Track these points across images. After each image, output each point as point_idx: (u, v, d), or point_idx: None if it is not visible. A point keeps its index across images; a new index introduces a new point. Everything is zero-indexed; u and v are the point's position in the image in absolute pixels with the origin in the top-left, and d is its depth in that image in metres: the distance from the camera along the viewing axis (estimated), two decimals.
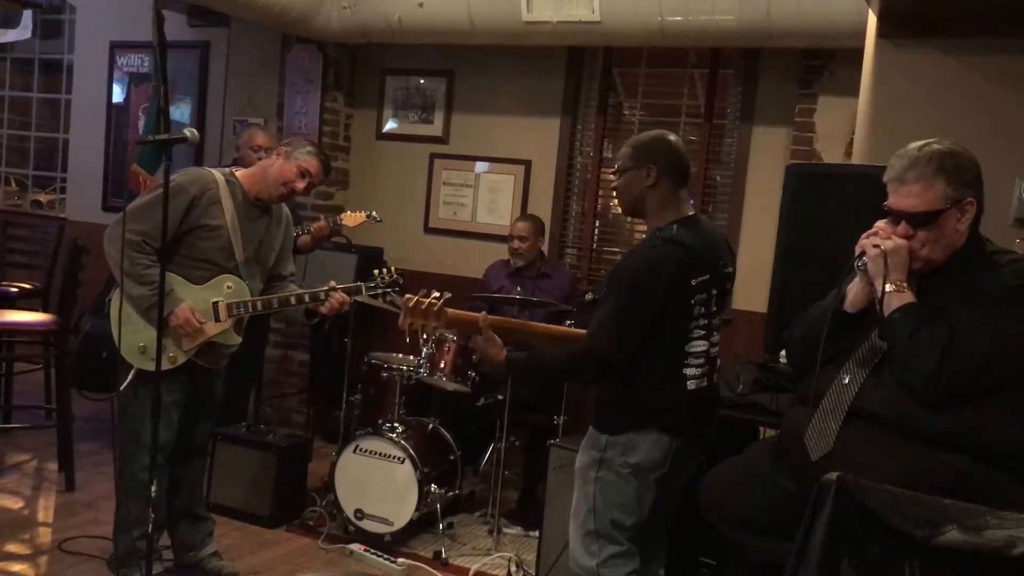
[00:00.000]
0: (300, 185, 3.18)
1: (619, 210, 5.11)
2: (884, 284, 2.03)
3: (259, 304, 3.16)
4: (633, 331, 2.47)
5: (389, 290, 3.19)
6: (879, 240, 2.08)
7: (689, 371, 2.55)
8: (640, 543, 2.65)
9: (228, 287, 3.13)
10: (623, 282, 2.50)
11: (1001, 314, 1.97)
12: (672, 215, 2.59)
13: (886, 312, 2.04)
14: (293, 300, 3.17)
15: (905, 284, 2.05)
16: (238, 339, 3.21)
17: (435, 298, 2.61)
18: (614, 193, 2.74)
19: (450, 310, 2.68)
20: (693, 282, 2.50)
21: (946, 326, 1.96)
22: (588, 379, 2.60)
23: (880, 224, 2.12)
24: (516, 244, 4.64)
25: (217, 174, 3.15)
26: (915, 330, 1.99)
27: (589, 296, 2.83)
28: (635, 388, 2.56)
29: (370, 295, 3.21)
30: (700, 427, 2.63)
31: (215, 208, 3.08)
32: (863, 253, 2.10)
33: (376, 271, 3.22)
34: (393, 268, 3.22)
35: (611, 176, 5.18)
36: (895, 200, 2.09)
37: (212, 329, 3.12)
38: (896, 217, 2.09)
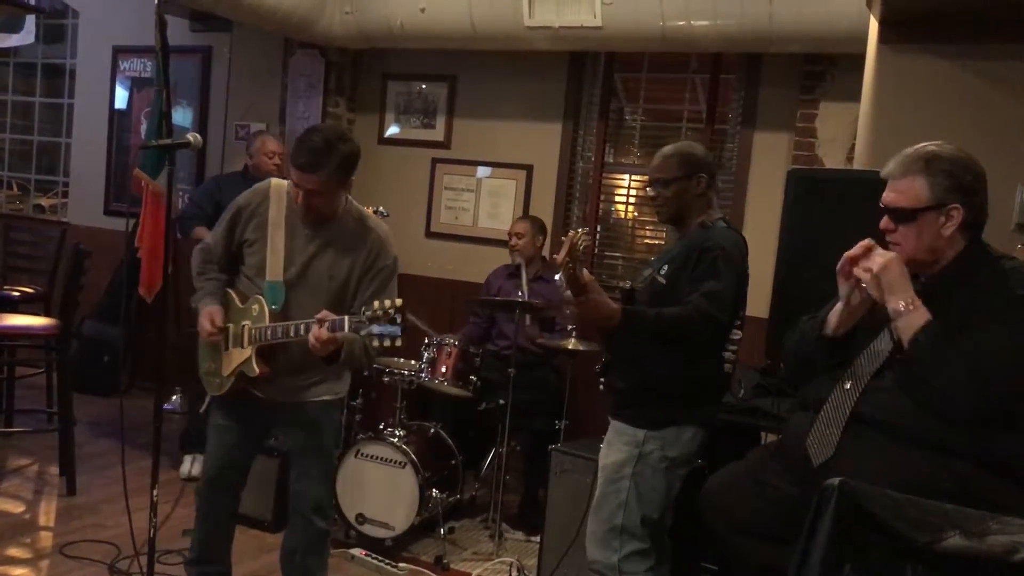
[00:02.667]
0: (302, 199, 2.73)
1: (622, 214, 5.16)
2: (894, 304, 1.99)
3: (268, 332, 2.74)
4: (739, 301, 2.66)
5: (382, 326, 2.47)
6: (869, 263, 2.04)
7: (727, 354, 2.76)
8: (657, 539, 2.73)
9: (255, 309, 2.81)
10: (729, 260, 2.64)
11: (1013, 326, 1.96)
12: (714, 213, 2.80)
13: (903, 334, 1.98)
14: (292, 332, 2.70)
15: (916, 300, 1.98)
16: (255, 371, 2.77)
17: (584, 236, 2.56)
18: (657, 203, 2.83)
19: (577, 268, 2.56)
20: (748, 268, 2.76)
21: (969, 345, 1.93)
22: (696, 340, 2.65)
23: (862, 243, 2.09)
24: (513, 241, 4.71)
25: (276, 185, 2.86)
26: (939, 351, 1.94)
27: (628, 284, 2.85)
28: (682, 376, 2.66)
29: (353, 330, 2.55)
30: (717, 417, 2.82)
31: (256, 222, 2.84)
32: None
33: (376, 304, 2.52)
34: (391, 303, 2.50)
35: (616, 182, 5.23)
36: (884, 194, 2.12)
37: (237, 356, 2.81)
38: (884, 210, 2.12)
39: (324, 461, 2.98)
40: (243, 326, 2.81)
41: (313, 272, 2.81)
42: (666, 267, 2.73)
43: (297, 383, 2.86)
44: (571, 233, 2.55)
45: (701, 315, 2.58)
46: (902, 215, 2.07)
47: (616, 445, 2.73)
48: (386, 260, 2.84)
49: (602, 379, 2.90)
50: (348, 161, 2.71)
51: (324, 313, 2.61)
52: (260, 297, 2.80)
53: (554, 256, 2.63)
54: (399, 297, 2.57)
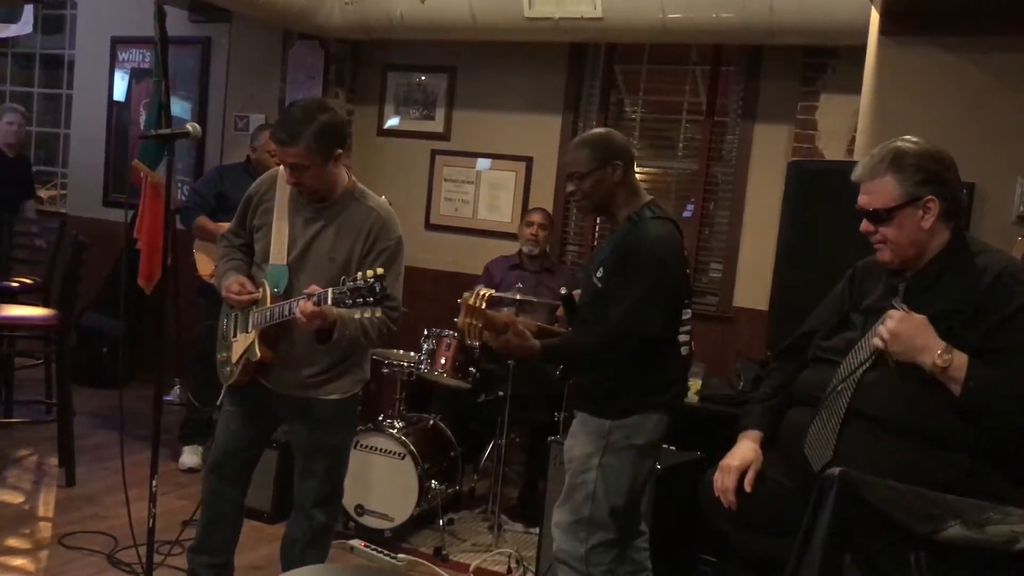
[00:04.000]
0: (289, 177, 2.71)
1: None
2: (927, 364, 1.95)
3: (268, 314, 2.75)
4: (664, 305, 2.59)
5: (359, 299, 2.46)
6: (881, 332, 2.03)
7: (681, 336, 2.70)
8: (623, 525, 2.73)
9: (259, 294, 2.82)
10: (648, 264, 2.58)
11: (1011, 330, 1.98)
12: (640, 200, 2.73)
13: (951, 386, 1.94)
14: (286, 311, 2.69)
15: (946, 350, 1.94)
16: (257, 354, 2.77)
17: (480, 296, 2.58)
18: (576, 197, 2.77)
19: (488, 311, 2.62)
20: (685, 252, 2.73)
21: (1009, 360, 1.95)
22: (624, 359, 2.62)
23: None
24: (536, 231, 4.64)
25: (284, 170, 2.81)
26: (992, 385, 1.94)
27: (564, 291, 2.85)
28: (642, 364, 2.63)
29: (336, 300, 2.51)
30: (683, 399, 2.82)
31: (263, 208, 2.86)
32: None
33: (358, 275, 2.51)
34: (372, 272, 2.48)
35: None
36: (859, 198, 2.13)
37: (244, 342, 2.83)
38: (860, 212, 2.12)
39: (332, 459, 2.95)
40: (249, 311, 2.83)
41: (314, 254, 2.78)
42: (601, 270, 2.68)
43: (304, 377, 2.82)
44: (465, 295, 2.56)
45: (621, 335, 2.56)
46: (879, 216, 2.07)
47: (582, 436, 2.73)
48: (388, 241, 2.78)
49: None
50: (328, 130, 2.66)
51: (312, 287, 2.58)
52: (264, 281, 2.80)
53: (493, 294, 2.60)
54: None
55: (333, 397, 2.86)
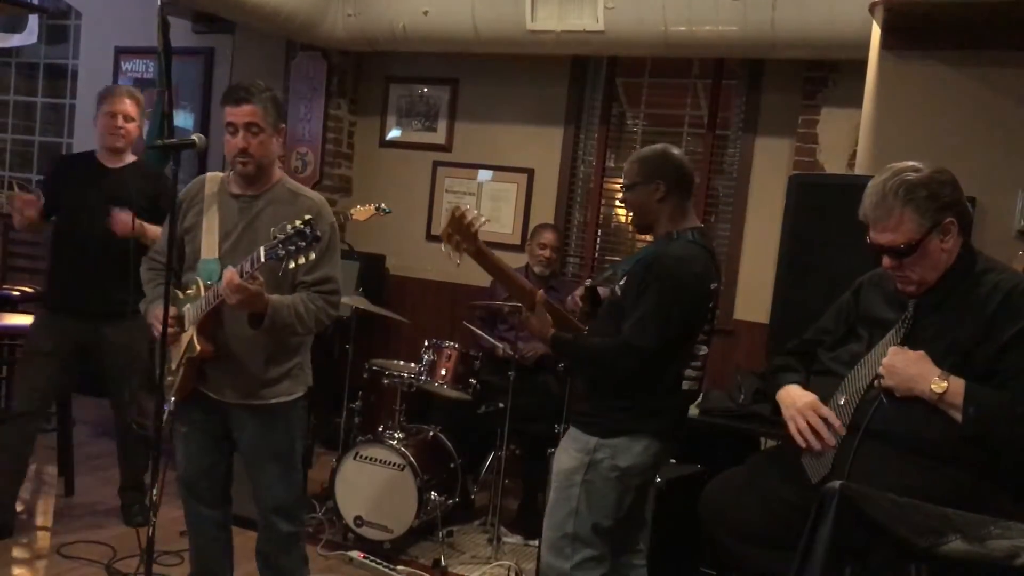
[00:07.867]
0: (238, 142, 2.71)
1: (623, 219, 5.17)
2: (926, 394, 1.97)
3: (202, 303, 2.70)
4: (674, 325, 2.56)
5: (291, 247, 2.45)
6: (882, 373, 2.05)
7: (689, 372, 2.67)
8: (613, 541, 2.72)
9: (192, 292, 2.77)
10: (661, 278, 2.55)
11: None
12: (686, 224, 2.70)
13: (951, 412, 1.96)
14: (215, 296, 2.64)
15: (942, 377, 1.97)
16: (196, 348, 2.72)
17: (476, 219, 2.62)
18: (624, 206, 2.83)
19: (484, 245, 2.74)
20: (712, 285, 2.67)
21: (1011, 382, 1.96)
22: (622, 374, 2.60)
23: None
24: (549, 253, 4.64)
25: (211, 175, 2.87)
26: (992, 408, 1.95)
27: (589, 282, 2.87)
28: (636, 388, 2.61)
29: (268, 254, 2.49)
30: (681, 430, 2.75)
31: (194, 210, 2.83)
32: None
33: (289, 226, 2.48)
34: (299, 220, 2.47)
35: (617, 187, 5.24)
36: (874, 235, 2.11)
37: (183, 341, 2.76)
38: (879, 251, 2.11)
39: (282, 464, 2.87)
40: (184, 311, 2.77)
41: (244, 244, 2.72)
42: (625, 279, 2.67)
43: (244, 381, 2.77)
44: (460, 206, 2.66)
45: (624, 348, 2.55)
46: (906, 251, 2.06)
47: (569, 451, 2.71)
48: (323, 226, 2.66)
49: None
50: (277, 101, 2.77)
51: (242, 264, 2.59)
52: (197, 278, 2.76)
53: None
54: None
55: (275, 400, 2.81)
